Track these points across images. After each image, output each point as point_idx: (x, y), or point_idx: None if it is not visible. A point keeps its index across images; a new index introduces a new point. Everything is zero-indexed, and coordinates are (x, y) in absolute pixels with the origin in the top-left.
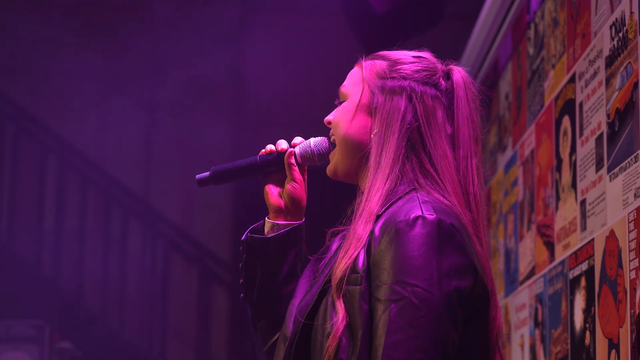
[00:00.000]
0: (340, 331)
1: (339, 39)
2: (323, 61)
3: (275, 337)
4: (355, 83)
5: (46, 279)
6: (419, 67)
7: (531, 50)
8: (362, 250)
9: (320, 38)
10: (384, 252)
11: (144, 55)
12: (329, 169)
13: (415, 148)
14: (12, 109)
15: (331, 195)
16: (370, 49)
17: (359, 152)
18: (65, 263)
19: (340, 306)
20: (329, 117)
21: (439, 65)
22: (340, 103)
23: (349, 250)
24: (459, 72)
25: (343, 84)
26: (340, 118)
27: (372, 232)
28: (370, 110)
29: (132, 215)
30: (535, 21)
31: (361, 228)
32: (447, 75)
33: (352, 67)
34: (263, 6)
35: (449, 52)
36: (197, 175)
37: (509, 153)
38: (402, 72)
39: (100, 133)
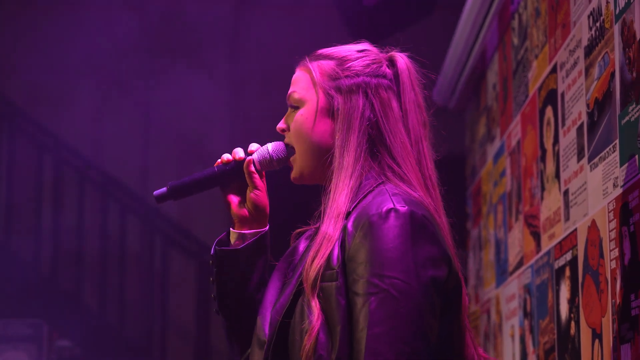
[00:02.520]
0: (317, 329)
1: (329, 32)
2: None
3: None
4: (307, 87)
5: (44, 277)
6: (367, 61)
7: (515, 41)
8: (336, 246)
9: (311, 30)
10: (359, 246)
11: (139, 52)
12: (294, 176)
13: (375, 143)
14: (7, 108)
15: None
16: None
17: (323, 155)
18: (63, 261)
19: (315, 305)
20: (282, 125)
21: (381, 54)
22: (295, 109)
23: (319, 250)
24: (401, 58)
25: (293, 90)
26: (300, 125)
27: (344, 227)
28: (329, 112)
29: (129, 211)
30: (519, 11)
31: (330, 228)
32: (391, 63)
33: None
34: (255, 0)
35: (437, 43)
36: (154, 192)
37: (497, 143)
38: (353, 69)
39: (96, 129)
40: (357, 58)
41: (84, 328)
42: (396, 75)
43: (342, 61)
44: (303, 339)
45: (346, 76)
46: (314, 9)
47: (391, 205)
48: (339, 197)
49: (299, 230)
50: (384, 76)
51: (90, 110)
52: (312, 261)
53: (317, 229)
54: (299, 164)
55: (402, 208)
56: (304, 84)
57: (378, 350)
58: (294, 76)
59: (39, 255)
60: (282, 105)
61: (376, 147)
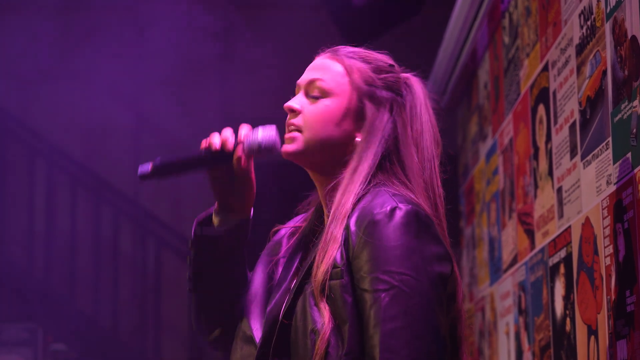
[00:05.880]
0: (329, 333)
1: (319, 33)
2: (304, 55)
3: (221, 329)
4: (338, 81)
5: (38, 281)
6: (395, 78)
7: (506, 40)
8: (340, 245)
9: (302, 32)
10: (365, 244)
11: (132, 56)
12: (289, 150)
13: (390, 158)
14: None
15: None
16: (350, 42)
17: (335, 152)
18: (57, 265)
19: (325, 308)
20: (296, 106)
21: (401, 74)
22: (315, 97)
23: (327, 252)
24: (417, 81)
25: (320, 77)
26: (325, 116)
27: (347, 227)
28: (356, 115)
29: (122, 214)
30: (509, 10)
31: (337, 229)
32: (407, 84)
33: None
34: (247, 3)
35: (428, 42)
36: (139, 169)
37: (489, 142)
38: (386, 82)
39: (87, 133)
40: (389, 72)
41: (79, 332)
42: (411, 97)
43: (377, 69)
44: (307, 340)
45: (380, 86)
46: (304, 10)
47: (395, 204)
48: (347, 200)
49: (276, 228)
50: (404, 96)
51: (84, 114)
52: (321, 263)
53: (312, 227)
54: (305, 147)
55: (406, 206)
56: (335, 76)
57: (393, 347)
58: (320, 62)
59: (33, 259)
60: (275, 102)
61: (390, 162)
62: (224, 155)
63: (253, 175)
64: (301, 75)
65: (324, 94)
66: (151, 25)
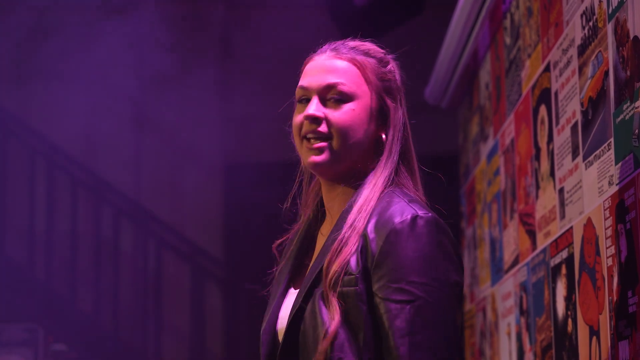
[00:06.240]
0: (333, 333)
1: (320, 32)
2: (304, 54)
3: None
4: (357, 82)
5: (38, 281)
6: (398, 69)
7: (508, 40)
8: (355, 251)
9: (302, 31)
10: (388, 254)
11: (129, 55)
12: (320, 160)
13: (404, 154)
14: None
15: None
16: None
17: (363, 156)
18: (57, 265)
19: (334, 307)
20: (319, 114)
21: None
22: (338, 101)
23: (340, 254)
24: (396, 65)
25: (340, 82)
26: (352, 120)
27: (365, 234)
28: (379, 114)
29: (123, 214)
30: (511, 11)
31: (360, 223)
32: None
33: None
34: (245, 2)
35: (429, 42)
36: None
37: (490, 142)
38: (392, 74)
39: (88, 133)
40: (388, 62)
41: (79, 332)
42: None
43: (382, 62)
44: (317, 344)
45: (390, 80)
46: (304, 9)
47: (415, 212)
48: (374, 196)
49: (278, 241)
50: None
51: (83, 115)
52: (332, 264)
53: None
54: (336, 156)
55: (426, 215)
56: (353, 77)
57: (420, 359)
58: (329, 64)
59: (33, 259)
60: (277, 105)
61: (402, 158)
62: None
63: None
64: (300, 76)
65: (347, 97)
66: (161, 22)
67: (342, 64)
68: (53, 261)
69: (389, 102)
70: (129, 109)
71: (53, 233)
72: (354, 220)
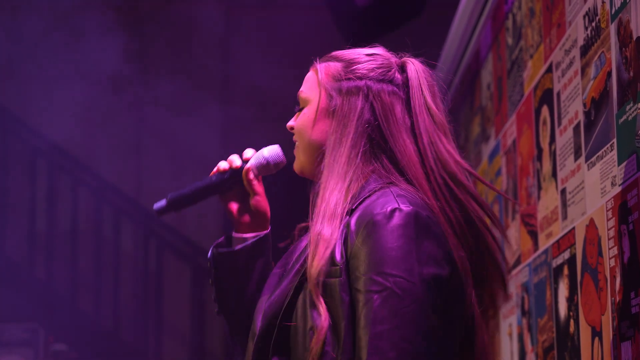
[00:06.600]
0: (324, 332)
1: (322, 34)
2: (306, 56)
3: None
4: (312, 87)
5: (39, 281)
6: (374, 65)
7: (510, 41)
8: (339, 243)
9: (304, 33)
10: (362, 244)
11: (134, 56)
12: (296, 168)
13: (376, 146)
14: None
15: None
16: (353, 43)
17: (318, 154)
18: (58, 265)
19: (322, 307)
20: (291, 123)
21: (394, 60)
22: (301, 109)
23: (316, 250)
24: (412, 64)
25: (301, 90)
26: (302, 123)
27: (347, 225)
28: (330, 113)
29: (124, 215)
30: (513, 11)
31: (325, 227)
32: (402, 69)
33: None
34: (246, 3)
35: (430, 43)
36: (154, 206)
37: (492, 143)
38: (358, 72)
39: (90, 133)
40: (365, 61)
41: (80, 332)
42: (406, 81)
43: (349, 63)
44: (306, 338)
45: (348, 78)
46: (304, 10)
47: (395, 205)
48: (330, 196)
49: (302, 224)
50: (390, 81)
51: (83, 115)
52: (312, 261)
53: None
54: (300, 160)
55: (407, 208)
56: (310, 84)
57: (381, 349)
58: (306, 76)
59: (34, 259)
60: (274, 111)
61: (378, 150)
62: (233, 174)
63: (263, 191)
64: (303, 80)
65: (305, 104)
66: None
67: (309, 73)
68: (54, 261)
69: (336, 98)
70: (132, 109)
71: (53, 233)
72: (316, 224)
